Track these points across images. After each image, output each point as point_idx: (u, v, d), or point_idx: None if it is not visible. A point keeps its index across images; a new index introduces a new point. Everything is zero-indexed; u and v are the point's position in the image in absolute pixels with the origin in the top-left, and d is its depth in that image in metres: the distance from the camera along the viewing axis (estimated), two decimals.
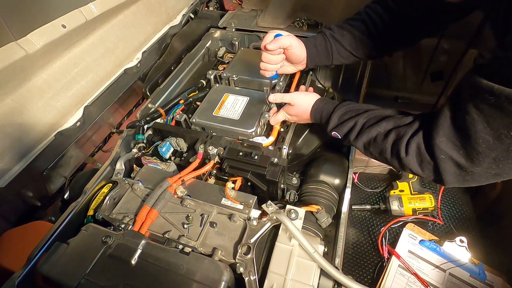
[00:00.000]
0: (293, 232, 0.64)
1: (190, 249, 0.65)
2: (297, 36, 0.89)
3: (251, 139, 0.90)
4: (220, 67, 1.22)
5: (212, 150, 0.82)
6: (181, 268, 0.61)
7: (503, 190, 1.14)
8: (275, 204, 0.70)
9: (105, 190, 0.81)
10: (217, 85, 1.07)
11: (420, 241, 1.08)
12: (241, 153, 0.80)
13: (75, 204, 0.77)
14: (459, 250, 1.04)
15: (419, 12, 0.80)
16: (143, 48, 1.27)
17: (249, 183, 0.82)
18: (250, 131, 0.89)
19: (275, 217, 0.68)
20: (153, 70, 1.24)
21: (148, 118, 0.98)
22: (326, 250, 0.70)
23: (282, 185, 0.85)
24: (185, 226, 0.70)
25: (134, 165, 0.90)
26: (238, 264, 0.63)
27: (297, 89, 1.05)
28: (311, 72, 1.14)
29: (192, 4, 1.51)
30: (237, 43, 1.32)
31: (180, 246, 0.67)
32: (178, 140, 0.91)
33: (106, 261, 0.63)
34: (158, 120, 1.01)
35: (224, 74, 1.08)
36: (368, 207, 1.24)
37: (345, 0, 1.29)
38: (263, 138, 0.90)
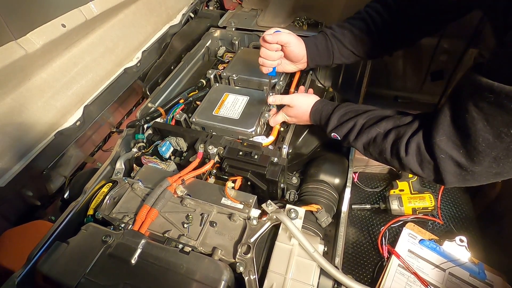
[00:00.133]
0: (293, 231, 0.64)
1: (190, 249, 0.65)
2: (297, 35, 0.89)
3: (251, 139, 0.90)
4: (220, 67, 1.22)
5: (212, 150, 0.83)
6: (181, 267, 0.61)
7: (503, 189, 1.14)
8: (275, 204, 0.70)
9: (105, 189, 0.81)
10: (217, 84, 1.07)
11: (420, 240, 1.08)
12: (241, 153, 0.80)
13: (75, 204, 0.77)
14: (459, 249, 1.04)
15: (419, 11, 0.81)
16: (143, 47, 1.27)
17: (249, 183, 0.82)
18: (250, 130, 0.89)
19: (275, 217, 0.68)
20: (153, 70, 1.24)
21: (148, 118, 0.98)
22: (326, 249, 0.70)
23: (282, 185, 0.85)
24: (185, 225, 0.70)
25: (134, 165, 0.90)
26: (238, 264, 0.63)
27: (297, 89, 1.05)
28: (311, 72, 1.14)
29: (192, 3, 1.51)
30: (237, 42, 1.32)
31: (180, 246, 0.67)
32: (178, 140, 0.91)
33: (106, 261, 0.63)
34: (158, 120, 1.01)
35: (224, 74, 1.08)
36: (368, 206, 1.24)
37: None
38: (263, 138, 0.90)
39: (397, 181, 1.22)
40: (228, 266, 0.62)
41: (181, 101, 1.04)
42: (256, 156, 0.79)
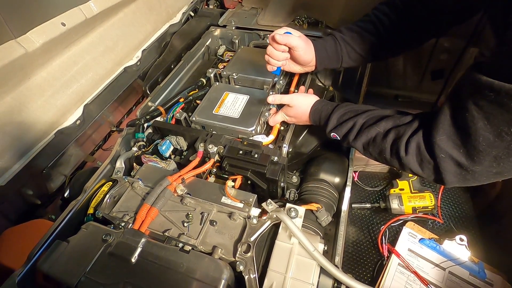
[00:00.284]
0: (293, 230, 0.64)
1: (190, 248, 0.66)
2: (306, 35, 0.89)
3: (251, 138, 0.90)
4: (220, 66, 1.22)
5: (212, 149, 0.82)
6: (181, 266, 0.61)
7: (503, 189, 1.14)
8: (275, 203, 0.70)
9: (105, 188, 0.81)
10: (217, 83, 1.07)
11: (420, 239, 1.08)
12: (241, 152, 0.80)
13: (75, 203, 0.77)
14: (459, 248, 1.04)
15: (426, 12, 0.80)
16: (143, 46, 1.27)
17: (249, 182, 0.82)
18: (250, 129, 0.89)
19: (275, 216, 0.68)
20: (153, 69, 1.24)
21: (148, 117, 0.98)
22: (326, 248, 0.70)
23: (282, 184, 0.85)
24: (185, 224, 0.70)
25: (134, 164, 0.90)
26: (238, 262, 0.63)
27: (297, 88, 1.05)
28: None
29: (192, 2, 1.51)
30: (237, 41, 1.32)
31: (180, 245, 0.67)
32: (178, 139, 0.91)
33: (106, 259, 0.63)
34: (158, 119, 1.01)
35: (224, 73, 1.08)
36: (368, 205, 1.24)
37: None
38: (263, 137, 0.90)
39: (397, 180, 1.22)
40: (228, 265, 0.62)
41: (181, 100, 1.04)
42: (256, 155, 0.78)
